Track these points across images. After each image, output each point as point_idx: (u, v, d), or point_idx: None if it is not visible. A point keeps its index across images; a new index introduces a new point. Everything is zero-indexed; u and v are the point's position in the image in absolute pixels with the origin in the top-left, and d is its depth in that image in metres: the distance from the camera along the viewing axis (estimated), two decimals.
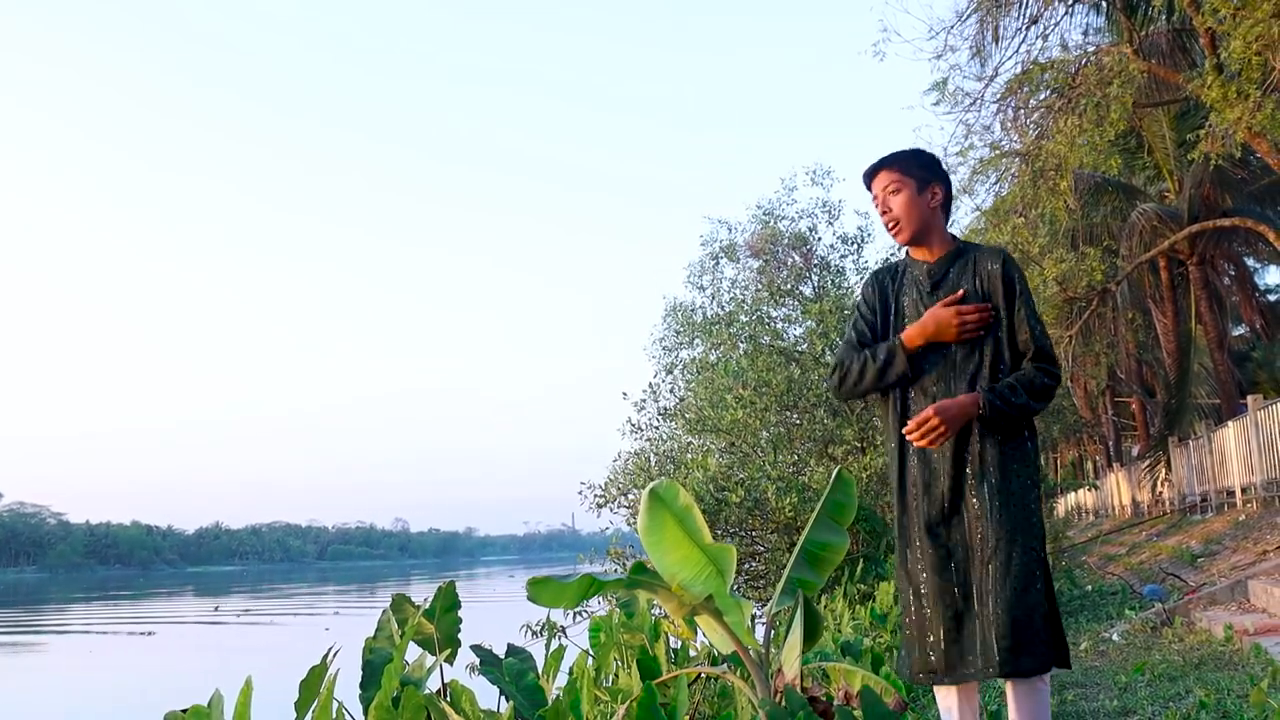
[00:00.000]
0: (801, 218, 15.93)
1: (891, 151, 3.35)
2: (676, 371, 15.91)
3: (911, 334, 3.23)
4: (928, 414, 3.03)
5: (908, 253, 3.43)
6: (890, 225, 3.31)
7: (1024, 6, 15.61)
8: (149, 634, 32.69)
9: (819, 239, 15.92)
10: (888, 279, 3.44)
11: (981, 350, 3.19)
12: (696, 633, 5.22)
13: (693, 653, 5.41)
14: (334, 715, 3.26)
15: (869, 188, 3.40)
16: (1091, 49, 16.21)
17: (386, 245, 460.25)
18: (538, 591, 3.15)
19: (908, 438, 3.10)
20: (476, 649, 3.92)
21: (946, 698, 3.21)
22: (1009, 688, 3.08)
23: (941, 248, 3.34)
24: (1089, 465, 44.74)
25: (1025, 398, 3.10)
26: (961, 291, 3.22)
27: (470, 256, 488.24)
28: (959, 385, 3.18)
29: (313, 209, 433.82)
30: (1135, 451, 33.25)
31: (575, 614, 12.27)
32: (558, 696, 3.88)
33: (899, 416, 3.28)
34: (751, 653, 3.53)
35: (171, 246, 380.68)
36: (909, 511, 3.22)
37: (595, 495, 14.05)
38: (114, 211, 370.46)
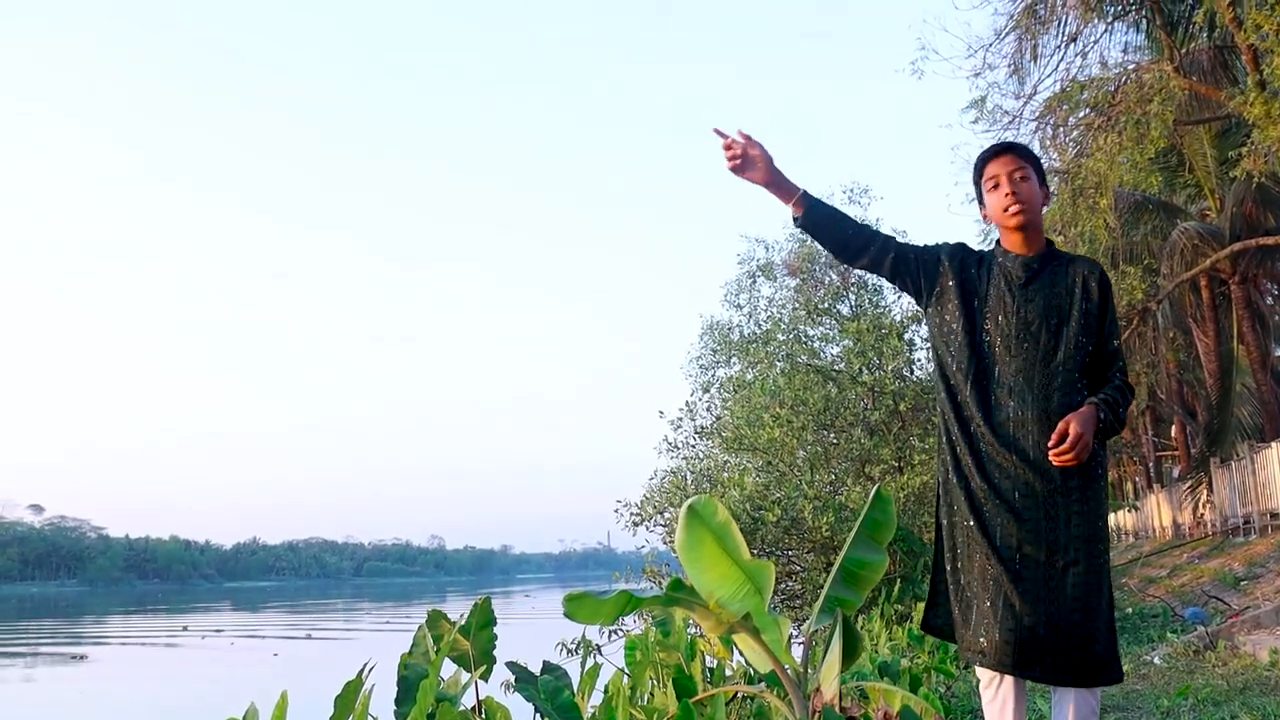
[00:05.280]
0: None
1: (1006, 142, 3.35)
2: (713, 390, 15.91)
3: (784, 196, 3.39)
4: (1079, 431, 2.97)
5: (998, 243, 3.39)
6: (1015, 208, 3.23)
7: (1063, 24, 15.56)
8: (79, 658, 30.48)
9: None
10: (972, 263, 3.38)
11: (1060, 354, 3.18)
12: (733, 652, 5.18)
13: (729, 672, 5.38)
14: None
15: (983, 167, 3.33)
16: (1131, 66, 16.12)
17: (420, 264, 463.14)
18: (575, 608, 3.13)
19: (1055, 459, 3.01)
20: (512, 666, 3.91)
21: (1002, 694, 3.16)
22: (1064, 697, 3.04)
23: (1039, 245, 3.31)
24: (1129, 486, 44.34)
25: (1124, 409, 3.14)
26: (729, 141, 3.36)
27: (508, 274, 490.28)
28: (1039, 383, 3.15)
29: (350, 227, 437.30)
30: (1176, 473, 32.92)
31: (611, 632, 12.27)
32: (593, 714, 3.86)
33: (981, 407, 3.22)
34: (789, 671, 3.50)
35: (205, 261, 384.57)
36: (976, 492, 3.17)
37: (631, 514, 14.05)
38: (153, 229, 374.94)
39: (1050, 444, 3.02)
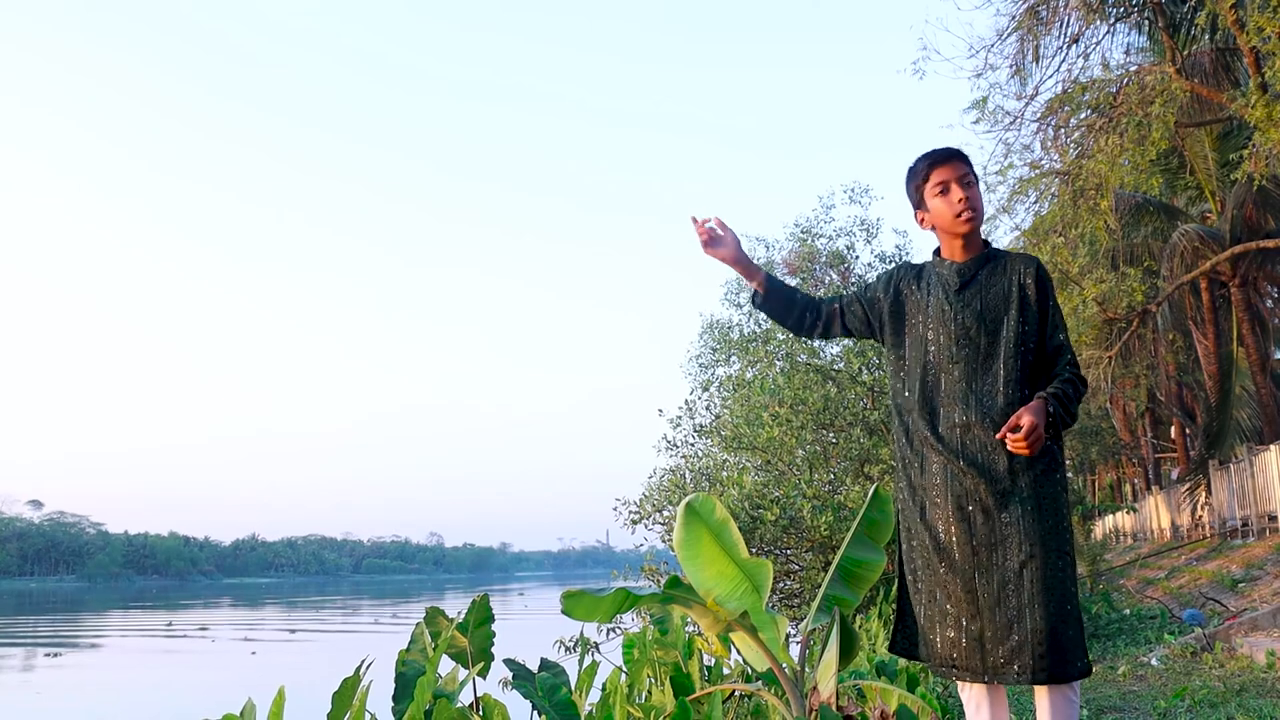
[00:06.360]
0: (839, 236, 15.95)
1: (950, 147, 3.33)
2: (713, 389, 15.89)
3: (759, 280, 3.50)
4: (1033, 421, 2.97)
5: (936, 252, 3.41)
6: (968, 214, 3.24)
7: (1065, 25, 15.55)
8: (54, 655, 29.63)
9: (856, 257, 15.93)
10: (909, 278, 3.42)
11: (1001, 355, 3.18)
12: (731, 650, 5.19)
13: (726, 670, 5.38)
14: None
15: (929, 171, 3.31)
16: (1133, 68, 16.12)
17: (424, 264, 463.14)
18: (572, 605, 3.14)
19: (1012, 446, 3.01)
20: (509, 663, 3.91)
21: (978, 698, 3.17)
22: (1042, 695, 3.05)
23: (976, 249, 3.33)
24: (1127, 488, 44.32)
25: (1075, 403, 3.13)
26: (703, 221, 3.50)
27: (509, 276, 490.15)
28: (982, 388, 3.17)
29: (351, 229, 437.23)
30: (1175, 475, 32.90)
31: (609, 630, 12.26)
32: (590, 712, 3.86)
33: (928, 418, 3.23)
34: (786, 670, 3.50)
35: (207, 263, 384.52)
36: (929, 508, 3.17)
37: (630, 512, 14.03)
38: (154, 228, 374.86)
39: (1000, 434, 3.03)
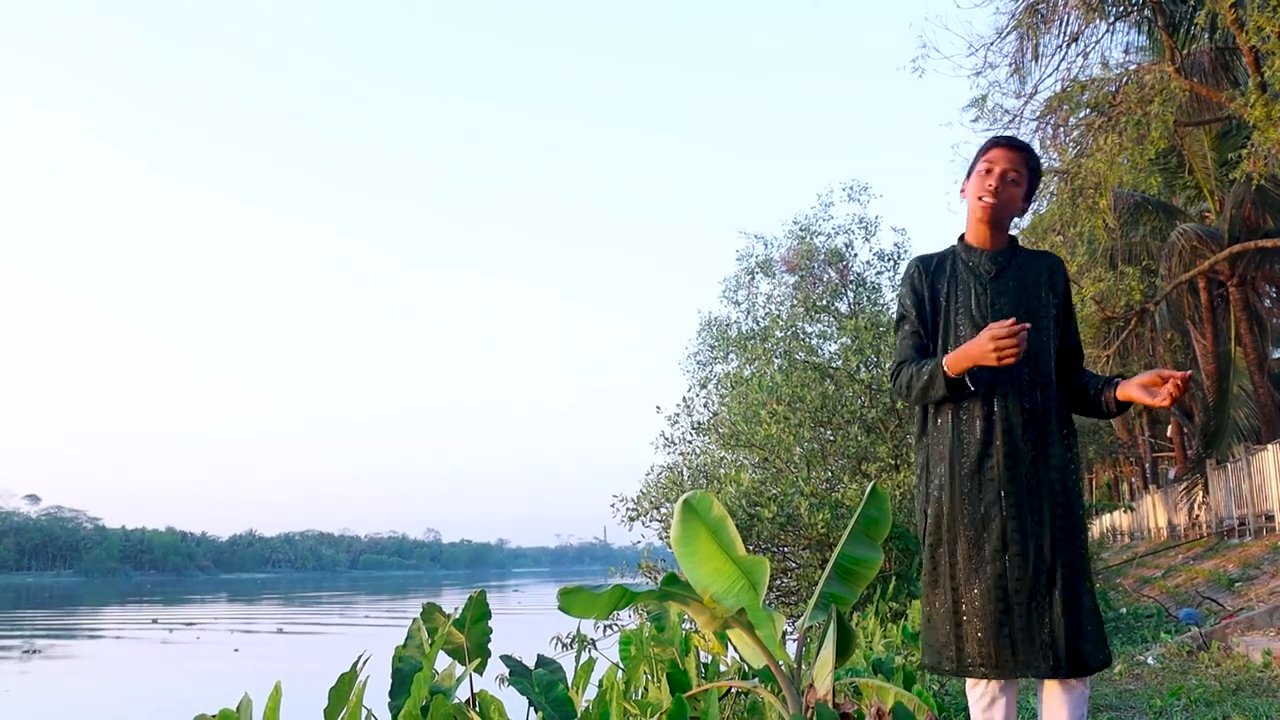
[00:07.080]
0: (838, 234, 15.95)
1: (1024, 142, 3.30)
2: (710, 386, 15.90)
3: (955, 359, 3.07)
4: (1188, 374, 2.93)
5: (961, 238, 3.35)
6: (989, 199, 3.19)
7: (1064, 24, 15.55)
8: (33, 652, 28.76)
9: (855, 255, 15.93)
10: (932, 271, 3.33)
11: (1036, 343, 3.15)
12: (727, 647, 5.18)
13: (723, 668, 5.38)
14: None
15: (990, 149, 3.25)
16: (1133, 67, 16.13)
17: (420, 264, 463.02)
18: (569, 602, 3.13)
19: (1170, 393, 2.92)
20: (506, 659, 3.91)
21: (991, 693, 3.12)
22: (1055, 688, 3.03)
23: (1002, 242, 3.30)
24: (1125, 487, 44.33)
25: None
26: (1012, 320, 2.96)
27: (510, 276, 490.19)
28: (1020, 376, 3.12)
29: (350, 228, 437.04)
30: (1172, 474, 32.94)
31: (605, 627, 12.27)
32: (587, 708, 3.86)
33: (963, 409, 3.16)
34: (783, 667, 3.50)
35: (206, 262, 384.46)
36: (960, 501, 3.12)
37: (628, 509, 14.03)
38: (156, 223, 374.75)
39: (1176, 380, 2.93)
